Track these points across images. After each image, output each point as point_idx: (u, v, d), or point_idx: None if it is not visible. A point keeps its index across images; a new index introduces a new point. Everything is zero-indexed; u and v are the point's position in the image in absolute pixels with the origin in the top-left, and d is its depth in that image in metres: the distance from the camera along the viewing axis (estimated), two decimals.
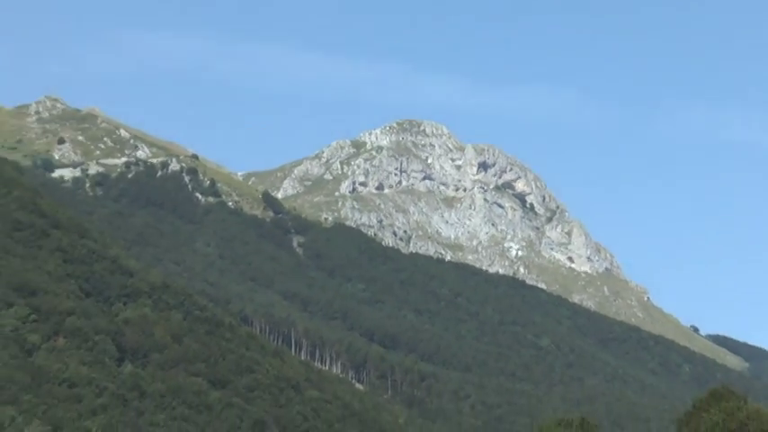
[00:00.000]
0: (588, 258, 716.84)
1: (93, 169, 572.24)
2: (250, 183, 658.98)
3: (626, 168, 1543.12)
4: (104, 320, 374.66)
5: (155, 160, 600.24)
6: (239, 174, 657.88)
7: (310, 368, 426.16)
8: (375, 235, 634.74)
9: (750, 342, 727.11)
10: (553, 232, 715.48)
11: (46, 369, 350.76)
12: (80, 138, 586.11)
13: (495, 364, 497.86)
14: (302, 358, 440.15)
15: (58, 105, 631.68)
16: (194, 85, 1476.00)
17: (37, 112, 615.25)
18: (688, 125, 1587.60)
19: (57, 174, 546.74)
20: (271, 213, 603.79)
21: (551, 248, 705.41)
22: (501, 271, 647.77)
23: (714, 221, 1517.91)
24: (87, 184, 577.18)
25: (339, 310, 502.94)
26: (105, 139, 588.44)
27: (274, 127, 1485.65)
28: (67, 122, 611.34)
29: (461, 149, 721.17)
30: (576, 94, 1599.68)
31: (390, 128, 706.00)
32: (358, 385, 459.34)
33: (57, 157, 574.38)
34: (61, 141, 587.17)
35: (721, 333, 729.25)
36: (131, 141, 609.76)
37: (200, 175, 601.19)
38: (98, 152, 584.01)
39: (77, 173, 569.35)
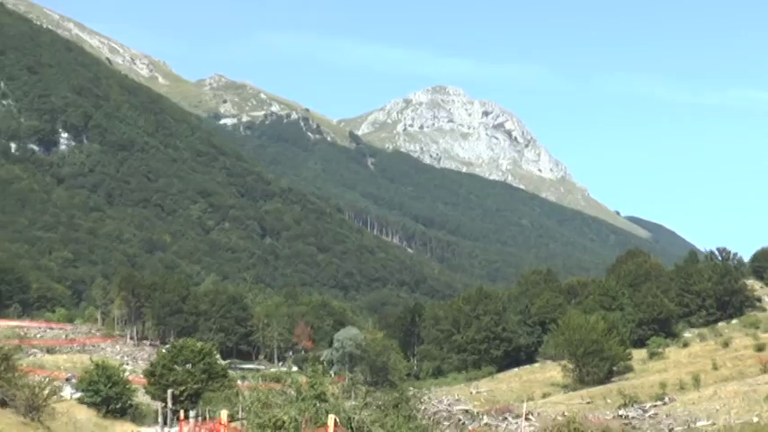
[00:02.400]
0: (550, 170, 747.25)
1: (245, 119, 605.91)
2: (341, 125, 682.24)
3: (575, 112, 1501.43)
4: (253, 211, 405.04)
5: (282, 113, 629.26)
6: (334, 120, 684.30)
7: (380, 240, 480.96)
8: (418, 157, 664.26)
9: (652, 220, 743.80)
10: (529, 153, 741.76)
11: (218, 242, 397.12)
12: (236, 99, 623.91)
13: (493, 236, 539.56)
14: (374, 234, 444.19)
15: (223, 79, 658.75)
16: (306, 65, 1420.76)
17: (210, 84, 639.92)
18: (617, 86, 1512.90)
19: (222, 122, 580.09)
20: (354, 144, 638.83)
21: (527, 164, 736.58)
22: (496, 178, 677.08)
23: (633, 143, 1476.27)
24: (241, 128, 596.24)
25: (396, 203, 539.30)
26: (252, 100, 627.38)
27: (356, 89, 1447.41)
28: (229, 90, 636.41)
29: (471, 103, 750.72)
30: (545, 68, 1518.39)
31: (427, 90, 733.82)
32: (409, 250, 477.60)
33: (222, 112, 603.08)
34: (224, 102, 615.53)
35: (634, 215, 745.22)
36: (268, 101, 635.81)
37: (310, 121, 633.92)
38: (247, 108, 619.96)
39: (235, 121, 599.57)
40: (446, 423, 60.75)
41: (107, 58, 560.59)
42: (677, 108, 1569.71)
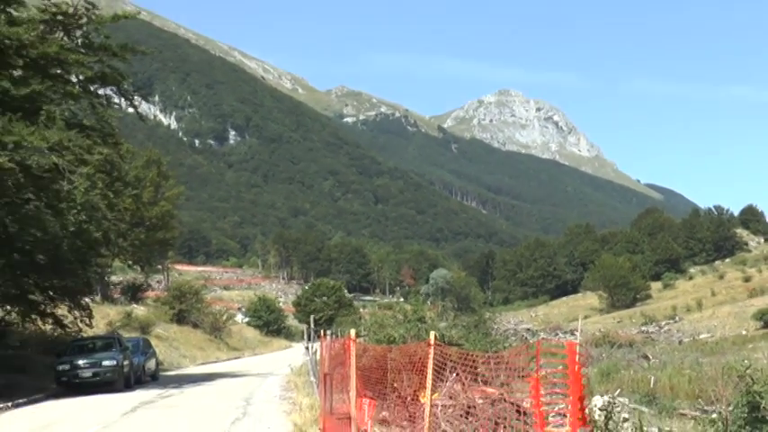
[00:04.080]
0: (587, 150, 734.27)
1: (361, 117, 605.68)
2: (432, 120, 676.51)
3: (604, 105, 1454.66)
4: (368, 185, 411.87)
5: (388, 112, 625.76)
6: (426, 116, 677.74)
7: (461, 204, 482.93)
8: (489, 143, 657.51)
9: (664, 185, 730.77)
10: (571, 138, 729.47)
11: (343, 208, 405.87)
12: (354, 103, 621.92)
13: (545, 200, 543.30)
14: (457, 200, 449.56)
15: (345, 89, 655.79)
16: (405, 75, 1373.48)
17: (335, 92, 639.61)
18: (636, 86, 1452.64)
19: (344, 120, 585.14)
20: (441, 134, 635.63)
21: (570, 146, 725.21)
22: (547, 157, 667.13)
23: (649, 126, 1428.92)
24: (359, 125, 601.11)
25: (474, 177, 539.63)
26: (366, 103, 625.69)
27: (442, 92, 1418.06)
28: (349, 96, 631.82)
29: (527, 102, 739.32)
30: (580, 72, 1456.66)
31: (495, 93, 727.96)
32: (483, 211, 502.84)
33: (344, 113, 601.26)
34: (346, 105, 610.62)
35: (650, 182, 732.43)
36: (377, 104, 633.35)
37: (409, 118, 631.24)
38: (363, 109, 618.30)
39: (354, 119, 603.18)
40: (513, 338, 61.32)
41: (261, 76, 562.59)
42: (687, 101, 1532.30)
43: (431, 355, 6.82)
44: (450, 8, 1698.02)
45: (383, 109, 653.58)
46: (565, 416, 3.86)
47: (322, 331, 27.07)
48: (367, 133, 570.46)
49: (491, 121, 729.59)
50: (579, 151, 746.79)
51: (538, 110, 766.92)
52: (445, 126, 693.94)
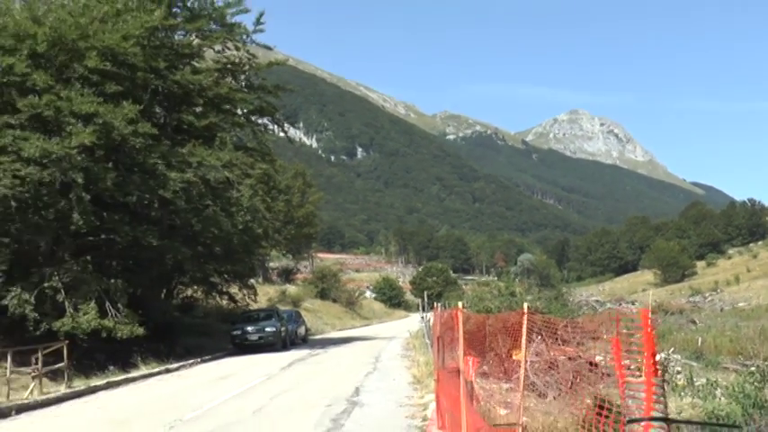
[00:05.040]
0: (642, 156, 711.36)
1: (461, 134, 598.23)
2: (516, 135, 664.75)
3: (655, 119, 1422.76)
4: (467, 188, 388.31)
5: (482, 130, 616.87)
6: (512, 132, 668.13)
7: (541, 202, 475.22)
8: (563, 152, 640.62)
9: (706, 183, 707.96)
10: (629, 146, 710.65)
11: (448, 206, 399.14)
12: (455, 123, 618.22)
13: (609, 197, 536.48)
14: (538, 198, 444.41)
15: (447, 112, 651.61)
16: (495, 99, 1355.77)
17: (440, 116, 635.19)
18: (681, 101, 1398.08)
19: (447, 137, 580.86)
20: (524, 146, 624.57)
21: (628, 153, 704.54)
22: (609, 163, 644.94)
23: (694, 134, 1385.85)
24: (458, 141, 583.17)
25: (551, 180, 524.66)
26: (464, 123, 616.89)
27: (525, 112, 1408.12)
28: (451, 118, 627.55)
29: (593, 118, 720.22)
30: (635, 92, 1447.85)
31: (567, 112, 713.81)
32: (559, 207, 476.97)
33: (447, 131, 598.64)
34: (448, 126, 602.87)
35: (695, 180, 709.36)
36: (473, 123, 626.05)
37: (498, 134, 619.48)
38: (461, 128, 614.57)
39: (455, 136, 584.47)
40: (585, 308, 60.42)
41: (382, 105, 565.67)
42: (724, 113, 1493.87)
43: (525, 321, 6.95)
44: (531, 43, 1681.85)
45: (478, 128, 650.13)
46: (639, 369, 3.99)
47: (435, 303, 27.13)
48: (465, 147, 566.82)
49: (564, 134, 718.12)
50: (635, 157, 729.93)
51: (601, 125, 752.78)
52: (527, 140, 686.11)
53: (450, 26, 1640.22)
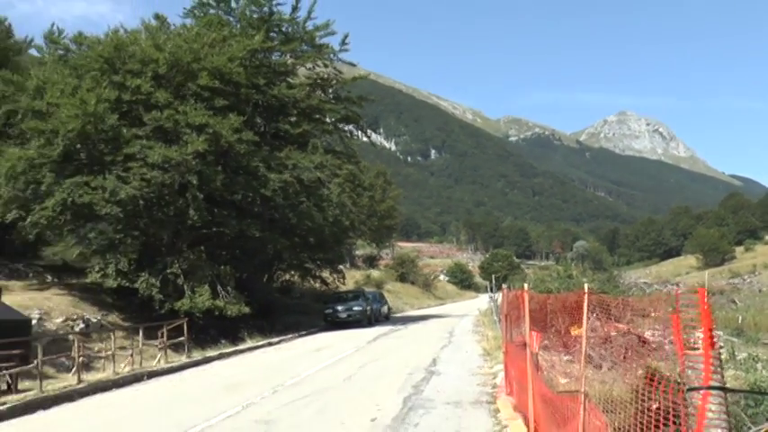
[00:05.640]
0: (684, 152, 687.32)
1: (521, 136, 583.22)
2: (571, 135, 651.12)
3: (696, 118, 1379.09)
4: (527, 183, 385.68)
5: (540, 131, 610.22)
6: (567, 133, 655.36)
7: (593, 194, 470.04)
8: (613, 150, 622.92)
9: (744, 175, 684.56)
10: (672, 144, 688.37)
11: (511, 200, 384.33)
12: (516, 126, 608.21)
13: (654, 190, 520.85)
14: (590, 191, 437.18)
15: (510, 116, 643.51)
16: (552, 104, 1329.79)
17: (503, 120, 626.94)
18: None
19: (510, 139, 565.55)
20: (578, 145, 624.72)
21: (672, 150, 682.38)
22: (655, 159, 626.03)
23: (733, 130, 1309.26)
24: (520, 141, 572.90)
25: (601, 175, 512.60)
26: (524, 126, 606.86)
27: (578, 114, 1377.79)
28: (512, 122, 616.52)
29: (640, 119, 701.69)
30: (676, 94, 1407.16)
31: (616, 114, 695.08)
32: (609, 198, 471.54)
33: (509, 133, 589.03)
34: (510, 128, 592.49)
35: (734, 173, 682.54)
36: (532, 126, 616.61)
37: (554, 135, 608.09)
38: (522, 130, 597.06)
39: (517, 138, 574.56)
40: (634, 289, 59.27)
41: (451, 112, 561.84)
42: (760, 110, 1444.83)
43: (586, 300, 7.01)
44: (583, 52, 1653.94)
45: (537, 130, 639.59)
46: (695, 343, 4.00)
47: (502, 285, 27.15)
48: (525, 147, 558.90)
49: (613, 134, 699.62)
50: (678, 153, 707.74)
51: (647, 124, 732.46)
52: (581, 139, 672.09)
53: (510, 39, 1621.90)
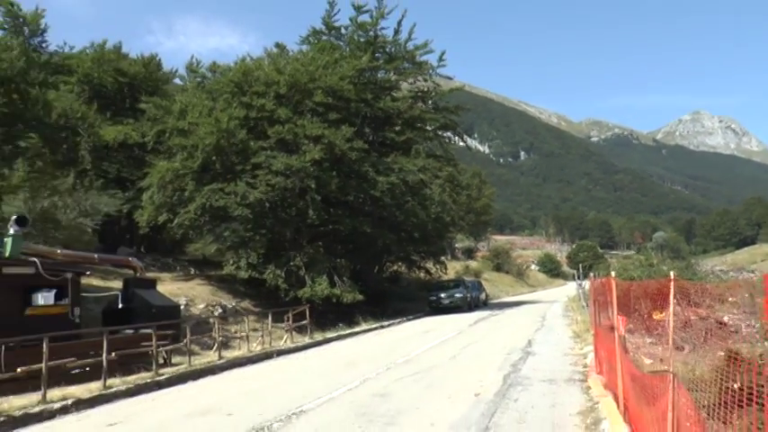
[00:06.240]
0: (756, 146, 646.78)
1: (602, 136, 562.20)
2: (648, 134, 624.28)
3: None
4: (608, 179, 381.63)
5: (618, 132, 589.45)
6: (645, 132, 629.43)
7: (669, 188, 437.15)
8: (687, 147, 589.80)
9: None
10: (744, 139, 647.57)
11: (594, 195, 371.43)
12: (597, 128, 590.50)
13: (729, 183, 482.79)
14: (666, 185, 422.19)
15: (591, 119, 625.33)
16: (628, 107, 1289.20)
17: (584, 122, 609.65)
18: None
19: (591, 139, 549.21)
20: (655, 143, 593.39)
21: (744, 144, 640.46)
22: (728, 154, 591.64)
23: None
24: (601, 142, 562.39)
25: (677, 170, 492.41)
26: (605, 127, 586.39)
27: (654, 115, 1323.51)
28: (593, 124, 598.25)
29: (712, 117, 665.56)
30: (750, 94, 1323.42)
31: (690, 113, 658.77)
32: (685, 192, 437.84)
33: (591, 134, 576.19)
34: (592, 130, 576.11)
35: None
36: (612, 127, 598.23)
37: (633, 134, 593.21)
38: (603, 131, 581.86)
39: (597, 138, 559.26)
40: (711, 276, 56.93)
41: (538, 116, 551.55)
42: None
43: (672, 286, 6.68)
44: (659, 56, 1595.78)
45: (616, 130, 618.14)
46: None
47: (590, 273, 26.35)
48: (606, 147, 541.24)
49: (688, 132, 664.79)
50: (751, 147, 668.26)
51: (720, 121, 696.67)
52: (657, 138, 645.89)
53: (590, 47, 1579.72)
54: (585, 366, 12.59)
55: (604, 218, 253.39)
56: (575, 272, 69.55)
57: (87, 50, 35.86)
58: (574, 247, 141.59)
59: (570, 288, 58.84)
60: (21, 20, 23.91)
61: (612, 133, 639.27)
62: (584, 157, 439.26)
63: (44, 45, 26.14)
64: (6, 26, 23.96)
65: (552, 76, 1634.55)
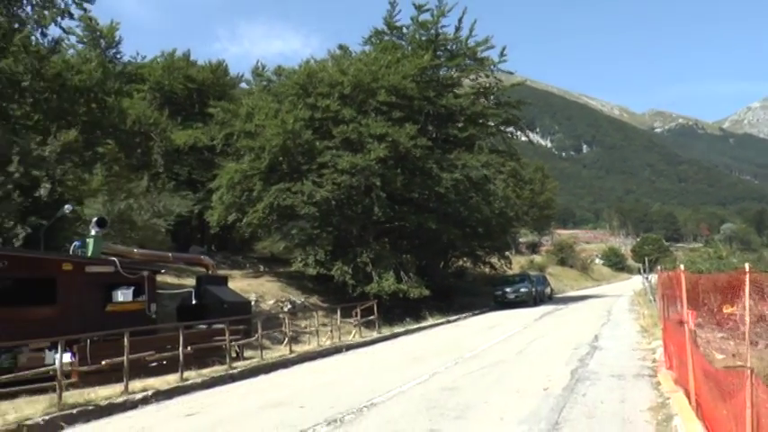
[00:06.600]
0: None
1: (666, 127, 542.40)
2: (713, 124, 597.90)
3: None
4: (673, 170, 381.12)
5: (683, 122, 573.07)
6: (710, 121, 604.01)
7: (737, 178, 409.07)
8: (756, 135, 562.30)
9: None
10: None
11: (659, 187, 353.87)
12: (661, 118, 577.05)
13: None
14: (734, 174, 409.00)
15: (654, 110, 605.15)
16: (693, 96, 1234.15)
17: (647, 113, 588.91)
18: None
19: (655, 130, 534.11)
20: (722, 133, 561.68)
21: None
22: None
23: None
24: (664, 132, 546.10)
25: (745, 159, 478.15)
26: (668, 117, 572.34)
27: (720, 104, 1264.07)
28: (656, 115, 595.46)
29: None
30: None
31: (759, 100, 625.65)
32: (755, 182, 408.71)
33: (654, 125, 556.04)
34: (655, 121, 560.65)
35: None
36: (675, 117, 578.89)
37: (698, 124, 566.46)
38: (666, 122, 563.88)
39: (661, 129, 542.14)
40: None
41: (600, 109, 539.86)
42: None
43: (747, 280, 6.32)
44: (723, 42, 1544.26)
45: (680, 120, 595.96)
46: None
47: (658, 267, 25.67)
48: (670, 138, 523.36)
49: (758, 120, 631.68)
50: None
51: None
52: (724, 126, 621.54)
53: (651, 37, 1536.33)
54: (654, 361, 12.33)
55: (669, 210, 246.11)
56: (640, 265, 68.07)
57: (158, 59, 37.27)
58: (638, 240, 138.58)
59: (635, 282, 57.69)
60: (98, 33, 25.08)
61: (676, 124, 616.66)
62: (647, 148, 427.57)
63: (118, 56, 27.71)
64: (85, 40, 25.16)
65: (613, 69, 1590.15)
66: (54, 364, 10.75)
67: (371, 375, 12.92)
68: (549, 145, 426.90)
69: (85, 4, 20.86)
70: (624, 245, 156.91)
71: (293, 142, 26.04)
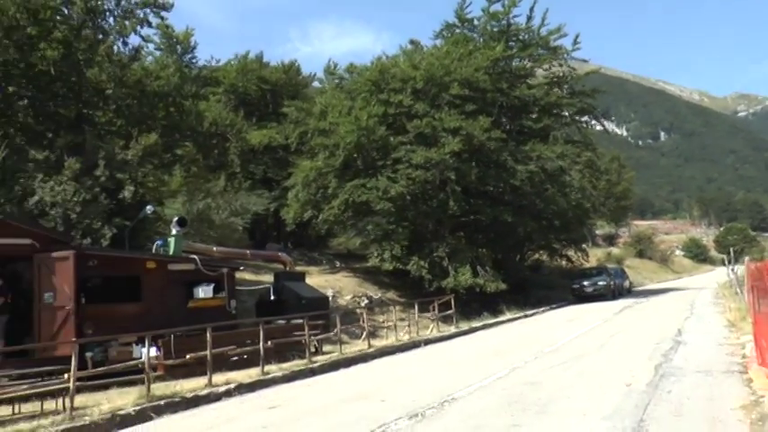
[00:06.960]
0: None
1: (751, 110, 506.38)
2: None
3: None
4: (759, 157, 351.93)
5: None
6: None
7: None
8: None
9: None
10: None
11: (743, 174, 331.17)
12: (745, 101, 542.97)
13: None
14: None
15: (737, 93, 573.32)
16: None
17: (730, 96, 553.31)
18: None
19: (738, 115, 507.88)
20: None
21: None
22: None
23: None
24: (749, 117, 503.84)
25: None
26: (753, 100, 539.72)
27: None
28: (741, 98, 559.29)
29: None
30: None
31: None
32: None
33: (737, 109, 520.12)
34: (739, 104, 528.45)
35: None
36: (762, 100, 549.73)
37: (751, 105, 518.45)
38: (751, 104, 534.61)
39: (745, 113, 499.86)
40: None
41: (678, 95, 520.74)
42: None
43: None
44: None
45: (766, 103, 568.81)
46: None
47: (746, 258, 24.74)
48: (756, 122, 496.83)
49: None
50: None
51: None
52: None
53: (730, 16, 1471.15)
54: (744, 357, 11.72)
55: (755, 198, 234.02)
56: (723, 256, 65.60)
57: (232, 62, 38.05)
58: (721, 230, 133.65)
59: (719, 274, 55.00)
60: (174, 40, 26.03)
61: (764, 107, 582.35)
62: (730, 133, 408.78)
63: (194, 60, 28.46)
64: (162, 47, 26.24)
65: (691, 52, 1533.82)
66: (141, 357, 11.19)
67: (451, 370, 12.88)
68: (625, 134, 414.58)
69: (162, 13, 21.61)
70: (706, 235, 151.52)
71: (367, 138, 26.20)
